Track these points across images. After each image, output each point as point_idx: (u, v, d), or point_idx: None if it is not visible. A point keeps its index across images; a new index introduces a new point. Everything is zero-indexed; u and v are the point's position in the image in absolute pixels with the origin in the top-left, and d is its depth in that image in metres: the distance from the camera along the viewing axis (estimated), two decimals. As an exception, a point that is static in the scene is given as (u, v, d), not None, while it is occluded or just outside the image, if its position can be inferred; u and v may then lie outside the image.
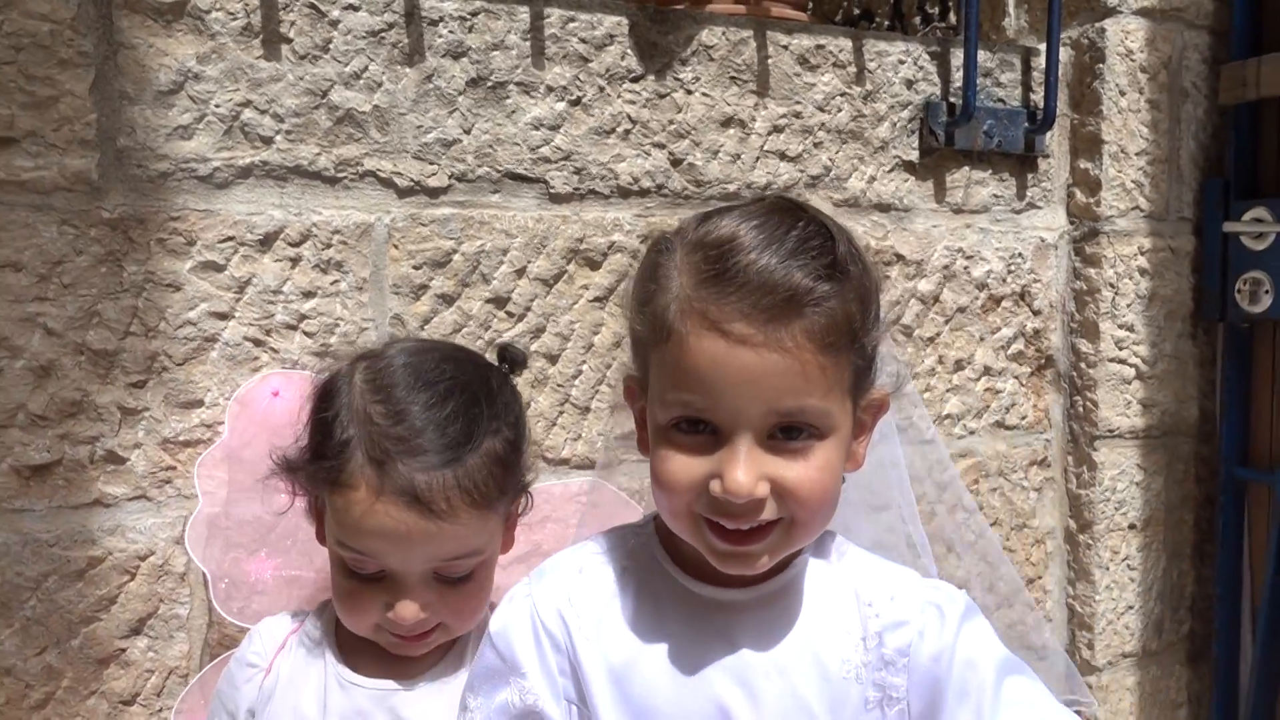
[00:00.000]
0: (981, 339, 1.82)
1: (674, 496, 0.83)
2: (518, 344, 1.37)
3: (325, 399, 0.99)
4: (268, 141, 1.32)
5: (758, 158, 1.62)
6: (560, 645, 0.88)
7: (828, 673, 0.87)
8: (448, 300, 1.43)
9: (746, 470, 0.79)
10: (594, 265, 1.51)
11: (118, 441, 1.27)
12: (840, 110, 1.68)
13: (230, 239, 1.31)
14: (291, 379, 1.24)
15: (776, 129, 1.63)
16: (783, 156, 1.64)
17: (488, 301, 1.45)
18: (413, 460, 0.93)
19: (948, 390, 1.79)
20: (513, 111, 1.45)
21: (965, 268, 1.80)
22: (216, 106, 1.28)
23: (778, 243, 0.81)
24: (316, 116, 1.34)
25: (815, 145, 1.66)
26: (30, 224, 1.20)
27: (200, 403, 1.29)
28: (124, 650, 1.29)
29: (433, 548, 0.95)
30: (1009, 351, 1.85)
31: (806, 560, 0.92)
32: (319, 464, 0.96)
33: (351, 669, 1.01)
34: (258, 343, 1.33)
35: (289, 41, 1.32)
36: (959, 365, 1.80)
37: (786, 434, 0.82)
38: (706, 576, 0.89)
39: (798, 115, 1.64)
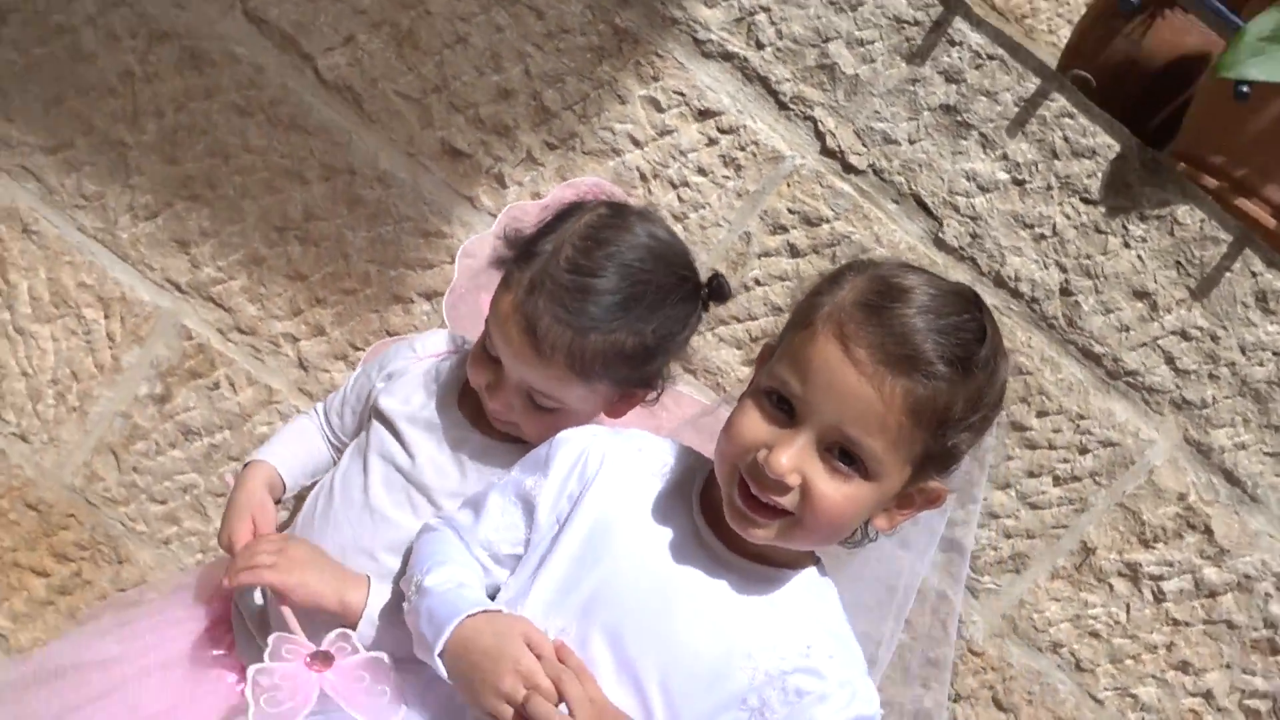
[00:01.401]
0: None
1: (731, 445, 0.97)
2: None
3: (563, 214, 1.18)
4: (759, 46, 1.51)
5: (1144, 344, 1.55)
6: (584, 479, 1.05)
7: (733, 651, 0.97)
8: (793, 253, 1.57)
9: (790, 457, 0.92)
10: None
11: (510, 173, 1.58)
12: (1266, 364, 1.54)
13: (681, 95, 1.53)
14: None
15: (1184, 334, 1.54)
16: (1169, 361, 1.55)
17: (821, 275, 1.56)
18: (553, 305, 1.08)
19: None
20: (958, 151, 1.51)
21: None
22: (741, -4, 1.49)
23: (936, 316, 0.91)
24: (807, 52, 1.50)
25: (1210, 375, 1.55)
26: (566, -9, 1.51)
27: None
28: (412, 302, 1.64)
29: (527, 372, 1.12)
30: None
31: (804, 577, 1.01)
32: (511, 254, 1.16)
33: (458, 406, 1.23)
34: (643, 178, 1.57)
35: (830, -16, 1.48)
36: None
37: (842, 456, 0.92)
38: (717, 526, 1.01)
39: (1215, 339, 1.53)
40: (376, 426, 1.23)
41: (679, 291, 1.16)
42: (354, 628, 1.14)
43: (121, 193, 1.68)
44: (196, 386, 1.77)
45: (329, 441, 1.35)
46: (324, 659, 1.04)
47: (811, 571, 1.04)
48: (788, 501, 0.93)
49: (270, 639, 1.06)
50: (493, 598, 1.05)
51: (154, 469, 1.83)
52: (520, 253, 1.16)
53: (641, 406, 1.22)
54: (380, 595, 1.13)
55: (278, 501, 1.31)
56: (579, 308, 1.09)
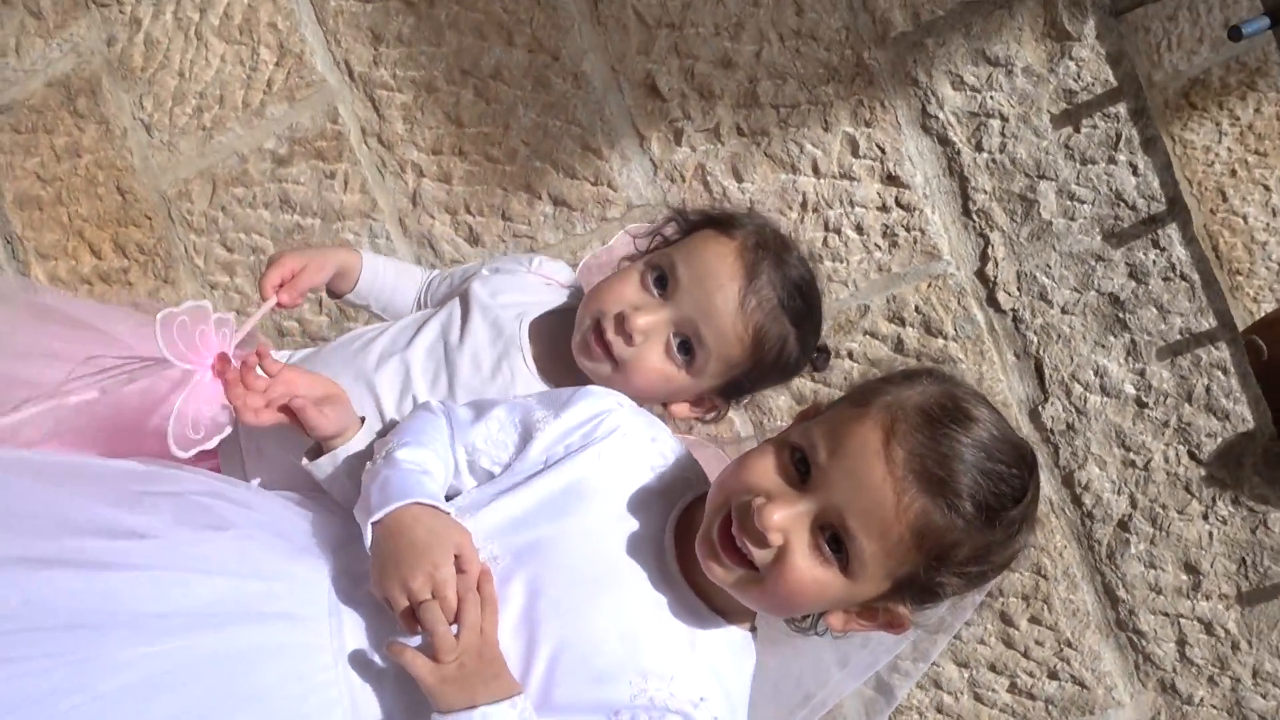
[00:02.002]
0: None
1: (735, 479, 0.93)
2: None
3: (733, 212, 1.17)
4: (978, 148, 1.48)
5: (1167, 614, 1.49)
6: (588, 438, 1.03)
7: (630, 663, 0.93)
8: (898, 348, 1.54)
9: (784, 517, 0.88)
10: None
11: (691, 135, 1.57)
12: (1268, 698, 1.47)
13: (881, 151, 1.51)
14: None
15: (1209, 627, 1.48)
16: (1181, 642, 1.49)
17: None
18: (774, 270, 1.09)
19: None
20: (1102, 344, 1.46)
21: None
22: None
23: (988, 458, 0.86)
24: (1019, 178, 1.47)
25: (1210, 679, 1.48)
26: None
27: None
28: (539, 199, 1.65)
29: (715, 314, 1.08)
30: None
31: (733, 634, 0.98)
32: (708, 215, 1.15)
33: (530, 333, 1.19)
34: (804, 206, 1.54)
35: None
36: None
37: (832, 541, 0.89)
38: (681, 545, 0.98)
39: (1236, 648, 1.47)
40: (454, 305, 1.24)
41: (820, 331, 1.18)
42: (326, 451, 1.13)
43: (350, -36, 1.71)
44: (315, 167, 1.80)
45: (419, 295, 1.38)
46: (226, 365, 1.02)
47: (744, 634, 1.00)
48: (759, 557, 0.90)
49: (233, 318, 1.05)
50: (449, 500, 1.03)
51: (239, 217, 1.87)
52: (714, 217, 1.16)
53: (699, 416, 1.19)
54: (359, 442, 1.12)
55: (338, 295, 1.32)
56: (792, 287, 1.10)
